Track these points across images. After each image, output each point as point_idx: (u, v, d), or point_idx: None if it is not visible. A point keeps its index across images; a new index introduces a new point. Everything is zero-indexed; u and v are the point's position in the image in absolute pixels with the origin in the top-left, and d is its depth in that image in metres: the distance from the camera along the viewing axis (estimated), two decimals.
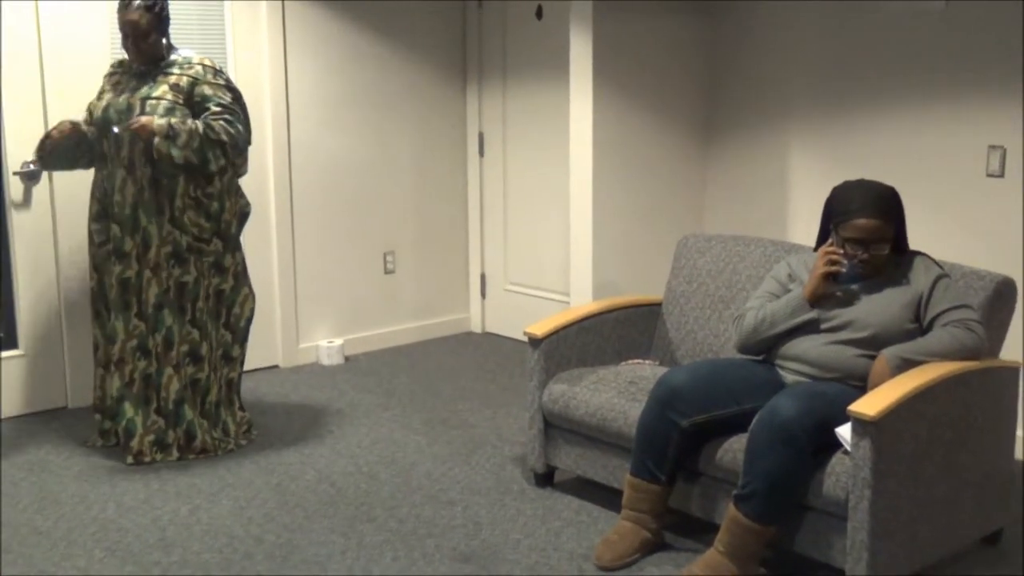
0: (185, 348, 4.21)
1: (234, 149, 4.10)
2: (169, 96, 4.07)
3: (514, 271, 6.10)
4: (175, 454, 4.22)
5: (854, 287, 3.30)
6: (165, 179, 4.06)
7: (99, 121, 4.13)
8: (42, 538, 3.54)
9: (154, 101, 4.06)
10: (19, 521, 3.67)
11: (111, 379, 4.23)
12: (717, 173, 5.29)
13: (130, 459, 4.18)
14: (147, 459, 4.19)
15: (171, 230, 4.13)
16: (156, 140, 3.96)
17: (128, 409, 4.18)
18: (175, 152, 3.97)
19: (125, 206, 4.08)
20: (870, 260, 3.25)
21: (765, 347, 3.45)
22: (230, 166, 4.13)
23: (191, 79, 4.11)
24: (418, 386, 5.21)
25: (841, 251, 3.28)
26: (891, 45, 4.48)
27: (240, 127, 4.11)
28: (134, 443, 4.17)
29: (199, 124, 4.01)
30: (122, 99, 4.10)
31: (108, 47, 4.69)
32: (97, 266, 4.27)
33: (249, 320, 4.39)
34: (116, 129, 4.04)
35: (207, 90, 4.11)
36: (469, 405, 4.91)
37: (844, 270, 3.26)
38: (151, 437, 4.20)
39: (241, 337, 4.38)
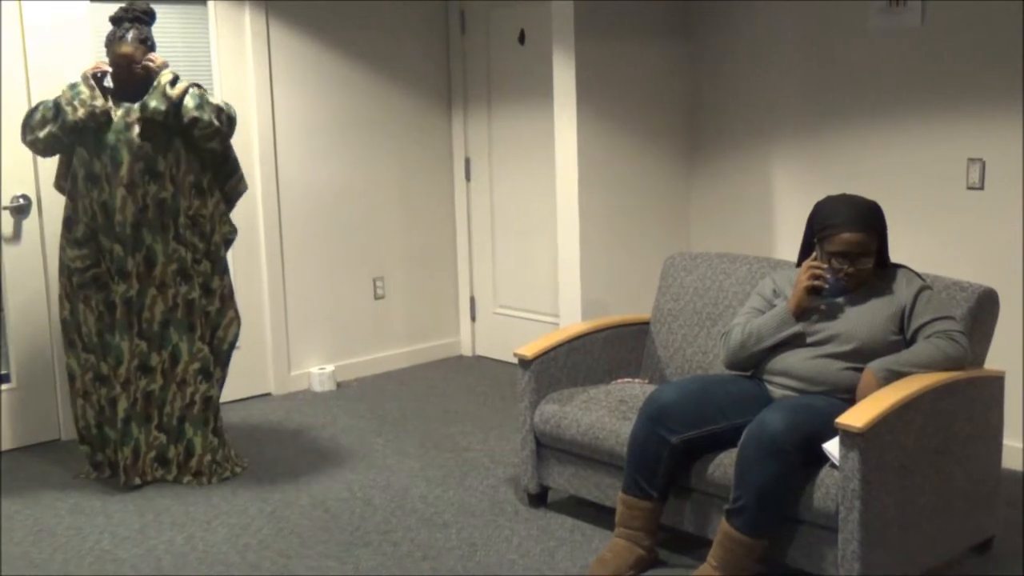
0: (196, 366, 4.23)
1: (230, 120, 4.19)
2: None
3: (503, 294, 6.13)
4: (174, 471, 4.25)
5: (839, 301, 3.34)
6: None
7: (92, 141, 4.07)
8: (38, 570, 3.54)
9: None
10: (15, 554, 3.67)
11: (119, 401, 4.17)
12: (702, 192, 5.34)
13: (137, 479, 4.21)
14: (148, 477, 4.22)
15: (176, 247, 4.16)
16: (163, 73, 4.09)
17: (135, 430, 4.20)
18: (153, 101, 4.05)
19: (126, 225, 4.08)
20: (855, 274, 3.29)
21: (753, 362, 3.48)
22: (224, 132, 4.17)
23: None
24: (410, 410, 5.23)
25: (825, 265, 3.31)
26: (870, 62, 4.54)
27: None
28: (140, 463, 4.21)
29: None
30: (117, 118, 4.07)
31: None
32: (70, 294, 4.20)
33: (232, 344, 4.40)
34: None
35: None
36: (461, 428, 4.93)
37: (828, 285, 3.30)
38: (152, 454, 4.23)
39: (224, 360, 4.39)
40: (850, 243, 3.27)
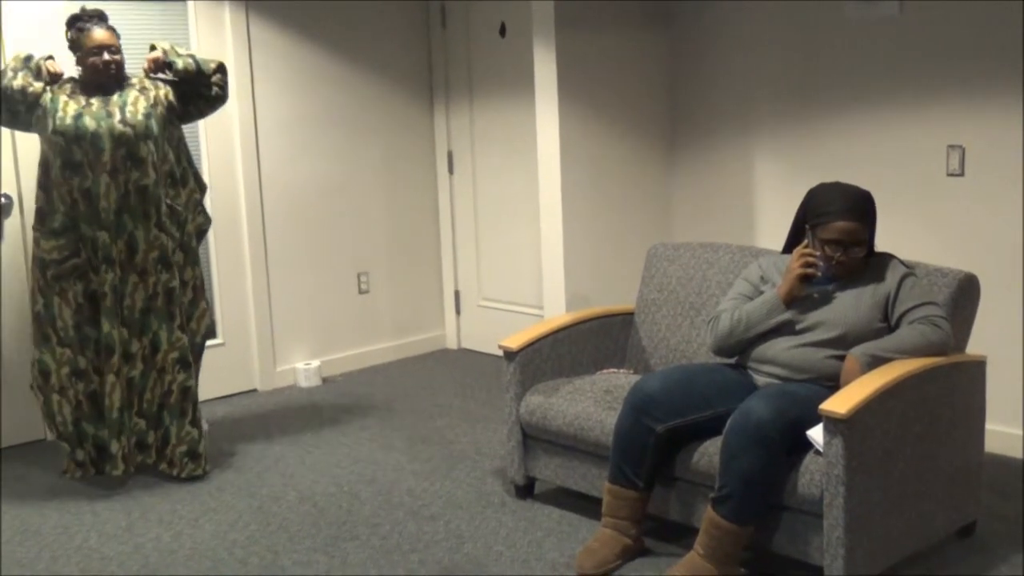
0: (175, 355, 4.23)
1: (224, 73, 4.34)
2: (142, 102, 4.15)
3: (487, 287, 6.14)
4: (153, 456, 4.27)
5: (827, 288, 3.36)
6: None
7: (71, 129, 4.03)
8: (25, 570, 3.53)
9: (130, 109, 4.11)
10: (1, 553, 3.67)
11: (113, 391, 4.16)
12: (683, 182, 5.35)
13: (131, 468, 4.24)
14: (131, 466, 4.23)
15: (158, 234, 4.16)
16: (166, 52, 4.23)
17: (126, 418, 4.22)
18: (180, 61, 4.21)
19: (110, 212, 4.07)
20: (846, 262, 3.31)
21: (740, 349, 3.50)
22: (223, 84, 4.33)
23: (156, 88, 4.24)
24: (396, 404, 5.24)
25: (818, 253, 3.32)
26: (849, 50, 4.56)
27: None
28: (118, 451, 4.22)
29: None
30: (96, 107, 4.08)
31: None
32: (43, 288, 4.16)
33: (205, 337, 4.45)
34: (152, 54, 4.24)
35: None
36: (447, 421, 4.94)
37: (820, 273, 3.31)
38: (133, 439, 4.23)
39: (197, 352, 4.42)
40: (844, 231, 3.28)
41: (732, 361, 3.55)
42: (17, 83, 4.06)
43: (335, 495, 4.09)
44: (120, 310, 4.14)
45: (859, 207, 3.30)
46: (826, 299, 3.34)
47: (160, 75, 4.26)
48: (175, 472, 4.28)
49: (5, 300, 4.71)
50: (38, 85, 4.10)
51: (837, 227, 3.28)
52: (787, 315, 3.36)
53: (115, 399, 4.18)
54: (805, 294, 3.36)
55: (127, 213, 4.10)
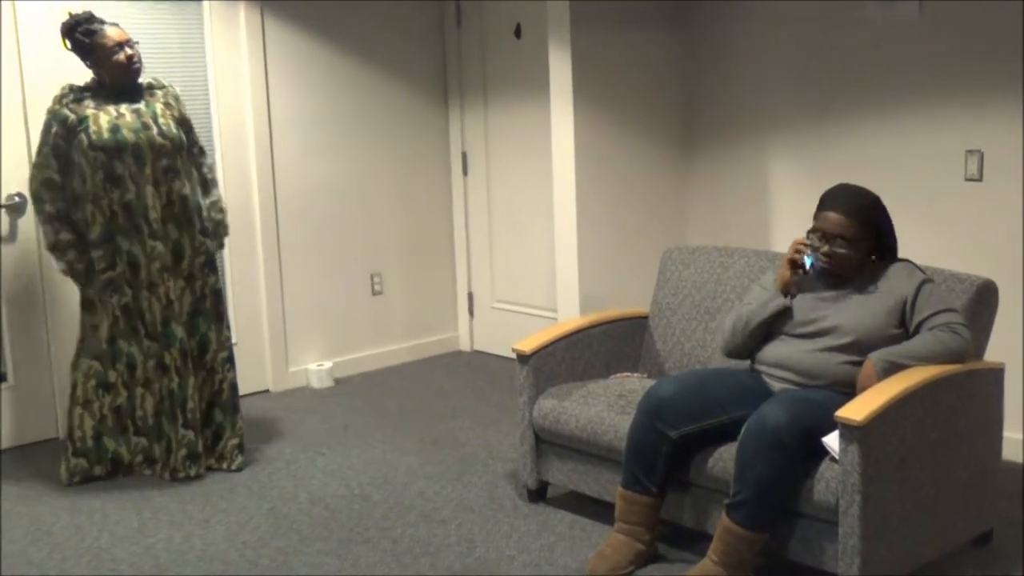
0: (224, 354, 4.36)
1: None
2: (170, 115, 4.19)
3: (501, 289, 6.12)
4: (203, 463, 4.33)
5: (835, 292, 3.34)
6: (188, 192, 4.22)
7: (111, 142, 4.03)
8: (36, 569, 3.53)
9: (163, 121, 4.14)
10: (12, 552, 3.66)
11: (146, 399, 4.24)
12: (699, 185, 5.33)
13: (168, 475, 4.27)
14: (181, 475, 4.25)
15: (202, 240, 4.25)
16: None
17: (165, 425, 4.27)
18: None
19: (159, 221, 4.13)
20: (830, 256, 3.30)
21: (749, 345, 3.50)
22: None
23: (175, 98, 4.29)
24: (408, 406, 5.22)
25: (808, 241, 3.36)
26: (867, 53, 4.53)
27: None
28: (173, 459, 4.27)
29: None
30: (129, 117, 4.09)
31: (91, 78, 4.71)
32: (91, 299, 4.19)
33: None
34: None
35: (187, 118, 4.32)
36: (460, 423, 4.92)
37: (806, 260, 3.33)
38: (183, 452, 4.27)
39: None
40: (828, 221, 3.30)
41: (747, 366, 3.53)
42: (72, 118, 4.07)
43: (346, 497, 4.07)
44: (165, 318, 4.19)
45: (852, 203, 3.31)
46: (839, 303, 3.32)
47: None
48: (225, 465, 4.36)
49: (18, 299, 4.72)
50: (73, 116, 4.10)
51: (823, 215, 3.33)
52: (785, 302, 3.39)
53: (149, 405, 4.25)
54: (800, 283, 3.38)
55: (171, 222, 4.16)
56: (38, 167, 4.12)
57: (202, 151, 4.38)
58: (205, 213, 4.30)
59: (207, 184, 4.36)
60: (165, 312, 4.18)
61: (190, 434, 4.25)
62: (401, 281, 6.05)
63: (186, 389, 4.24)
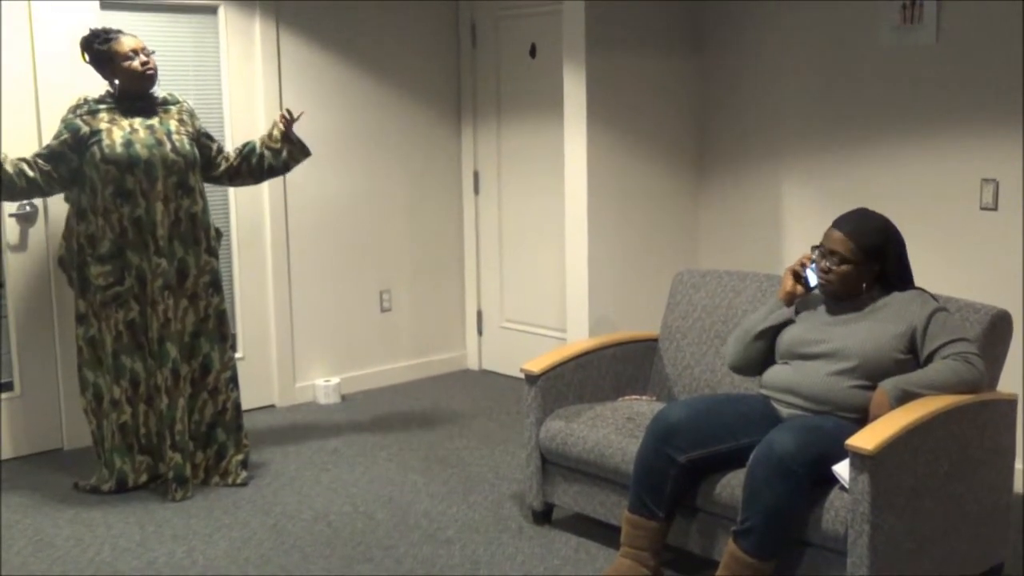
0: (228, 374, 4.35)
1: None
2: (184, 131, 4.20)
3: (510, 308, 6.10)
4: (201, 475, 4.34)
5: (842, 316, 3.33)
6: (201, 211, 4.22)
7: (123, 157, 4.03)
8: None
9: (177, 138, 4.14)
10: (14, 564, 3.64)
11: (169, 413, 4.19)
12: (710, 208, 5.31)
13: (180, 494, 4.22)
14: (167, 498, 4.20)
15: (208, 259, 4.24)
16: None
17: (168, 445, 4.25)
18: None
19: (165, 238, 4.12)
20: (827, 272, 3.33)
21: (752, 357, 3.52)
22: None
23: (190, 114, 4.30)
24: (415, 424, 5.20)
25: (812, 257, 3.41)
26: (882, 80, 4.51)
27: None
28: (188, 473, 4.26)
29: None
30: (142, 133, 4.09)
31: (104, 84, 4.71)
32: (97, 312, 4.17)
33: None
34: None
35: (204, 130, 4.35)
36: (466, 443, 4.90)
37: (807, 273, 3.41)
38: (171, 474, 4.23)
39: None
40: (829, 238, 3.34)
41: (756, 391, 3.50)
42: (85, 130, 4.07)
43: (350, 515, 4.05)
44: (161, 336, 4.16)
45: (857, 225, 3.32)
46: (846, 327, 3.31)
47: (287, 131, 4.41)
48: (229, 480, 4.36)
49: (27, 309, 4.71)
50: (87, 128, 4.09)
51: (827, 232, 3.37)
52: (787, 312, 3.44)
53: (178, 420, 4.22)
54: (801, 295, 3.44)
55: (177, 240, 4.15)
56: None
57: (220, 149, 4.42)
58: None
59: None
60: (161, 330, 4.15)
61: (178, 457, 4.20)
62: (410, 298, 6.04)
63: (175, 411, 4.19)
